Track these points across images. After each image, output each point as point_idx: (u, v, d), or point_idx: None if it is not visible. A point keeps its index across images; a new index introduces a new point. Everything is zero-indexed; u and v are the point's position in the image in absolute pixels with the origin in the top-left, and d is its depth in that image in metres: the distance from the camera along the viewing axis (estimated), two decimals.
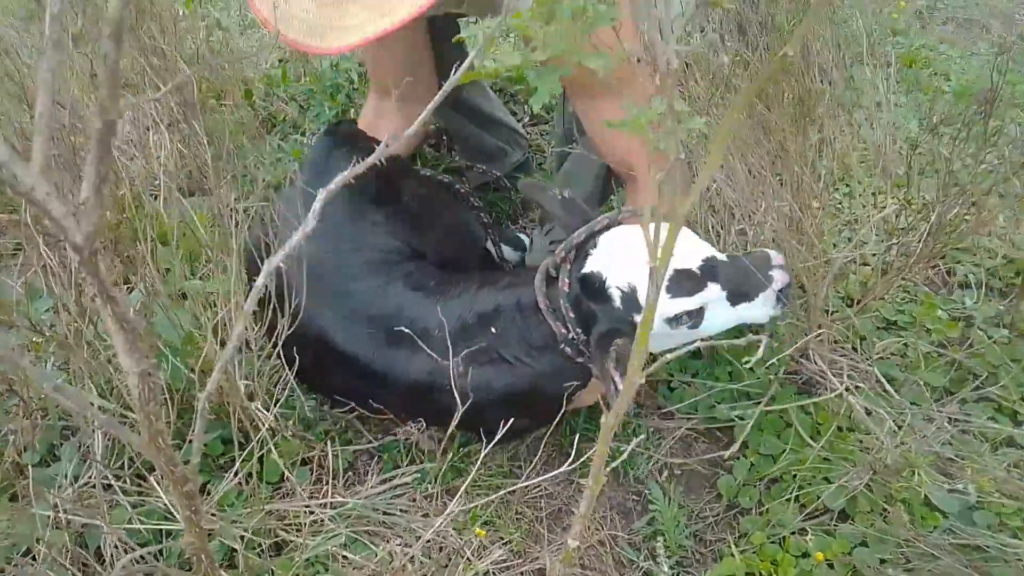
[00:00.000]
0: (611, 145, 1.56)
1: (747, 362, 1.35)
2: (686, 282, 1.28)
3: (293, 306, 1.40)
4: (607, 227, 1.35)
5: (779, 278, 1.31)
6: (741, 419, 1.58)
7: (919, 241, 1.69)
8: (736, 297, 1.31)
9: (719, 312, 1.31)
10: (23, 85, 1.58)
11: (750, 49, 1.56)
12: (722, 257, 1.33)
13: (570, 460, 1.21)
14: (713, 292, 1.29)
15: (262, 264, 1.56)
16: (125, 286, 1.62)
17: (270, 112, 2.49)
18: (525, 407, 1.41)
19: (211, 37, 2.50)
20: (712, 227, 1.76)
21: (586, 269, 1.32)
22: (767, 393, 1.60)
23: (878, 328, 1.79)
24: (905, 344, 1.70)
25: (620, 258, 1.31)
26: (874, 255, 1.88)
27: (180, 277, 1.66)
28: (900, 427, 1.48)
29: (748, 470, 1.52)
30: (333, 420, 1.59)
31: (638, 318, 1.29)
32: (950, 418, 1.53)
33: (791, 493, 1.44)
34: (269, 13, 1.38)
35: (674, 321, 1.30)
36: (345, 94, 2.61)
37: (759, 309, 1.32)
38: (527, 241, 2.04)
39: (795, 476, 1.47)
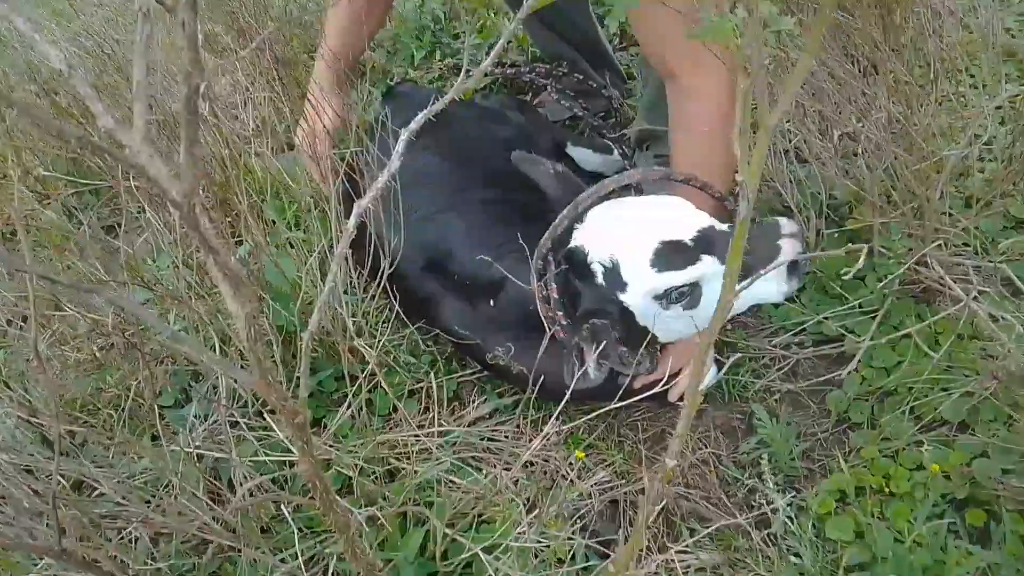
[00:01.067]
0: (649, 38, 1.45)
1: (846, 273, 1.27)
2: (676, 255, 1.18)
3: (389, 245, 1.46)
4: (594, 203, 1.27)
5: (788, 249, 1.18)
6: (852, 332, 1.51)
7: None
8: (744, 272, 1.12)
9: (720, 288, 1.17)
10: (116, 61, 1.68)
11: None
12: (722, 227, 1.20)
13: (663, 382, 1.21)
14: (709, 265, 1.18)
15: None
16: (235, 240, 1.72)
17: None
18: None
19: None
20: (804, 139, 1.66)
21: (572, 244, 1.25)
22: (882, 307, 1.52)
23: (1006, 228, 1.64)
24: None
25: (604, 231, 1.22)
26: (999, 149, 1.72)
27: (284, 228, 1.75)
28: None
29: (860, 384, 1.46)
30: (439, 351, 1.65)
31: (622, 296, 1.21)
32: None
33: (906, 406, 1.37)
34: None
35: (664, 298, 1.20)
36: (431, 32, 2.61)
37: (769, 284, 1.22)
38: (612, 147, 2.01)
39: (911, 389, 1.40)
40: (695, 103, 1.39)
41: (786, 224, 1.20)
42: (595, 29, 2.17)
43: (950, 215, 1.60)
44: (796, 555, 1.22)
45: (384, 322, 1.69)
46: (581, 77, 2.12)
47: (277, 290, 1.48)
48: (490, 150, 1.67)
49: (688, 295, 1.20)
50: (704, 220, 1.20)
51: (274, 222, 1.79)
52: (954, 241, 1.58)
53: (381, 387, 1.51)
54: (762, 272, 1.16)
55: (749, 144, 0.75)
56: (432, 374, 1.57)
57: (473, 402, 1.57)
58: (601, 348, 1.23)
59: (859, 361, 1.48)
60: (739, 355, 1.49)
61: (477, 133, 1.79)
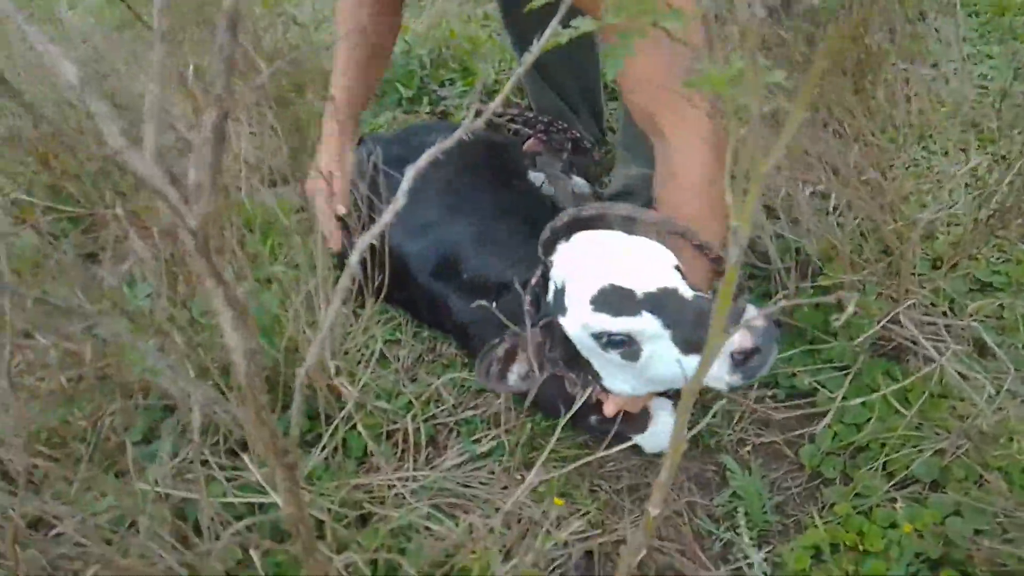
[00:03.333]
0: (635, 89, 1.43)
1: (836, 319, 1.24)
2: (618, 302, 1.14)
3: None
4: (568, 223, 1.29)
5: (739, 340, 1.08)
6: (823, 387, 1.54)
7: (1013, 195, 1.59)
8: (687, 345, 1.12)
9: (664, 354, 1.14)
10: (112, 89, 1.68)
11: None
12: (686, 293, 1.14)
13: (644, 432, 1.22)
14: (648, 324, 1.13)
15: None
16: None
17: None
18: None
19: (288, 33, 2.58)
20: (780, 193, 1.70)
21: (550, 257, 1.28)
22: (854, 364, 1.54)
23: (971, 290, 1.70)
24: (1001, 305, 1.61)
25: (573, 254, 1.23)
26: (964, 214, 1.79)
27: (266, 262, 1.74)
28: (998, 392, 1.41)
29: (832, 439, 1.47)
30: (416, 392, 1.63)
31: (562, 320, 1.24)
32: None
33: (878, 462, 1.39)
34: None
35: (600, 339, 1.18)
36: (419, 78, 2.65)
37: (712, 368, 1.05)
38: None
39: (883, 445, 1.42)
40: (681, 156, 1.38)
41: (752, 311, 1.11)
42: (598, 82, 2.22)
43: (919, 276, 1.65)
44: None
45: (363, 361, 1.68)
46: (574, 134, 2.17)
47: (260, 324, 1.46)
48: (494, 160, 1.81)
49: (624, 345, 1.16)
50: (670, 281, 1.16)
51: (256, 256, 1.78)
52: (923, 301, 1.63)
53: (356, 428, 1.50)
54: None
55: (743, 190, 0.76)
56: (408, 417, 1.56)
57: (448, 447, 1.56)
58: (536, 353, 1.26)
59: (831, 416, 1.50)
60: (720, 404, 1.49)
61: (479, 147, 1.87)
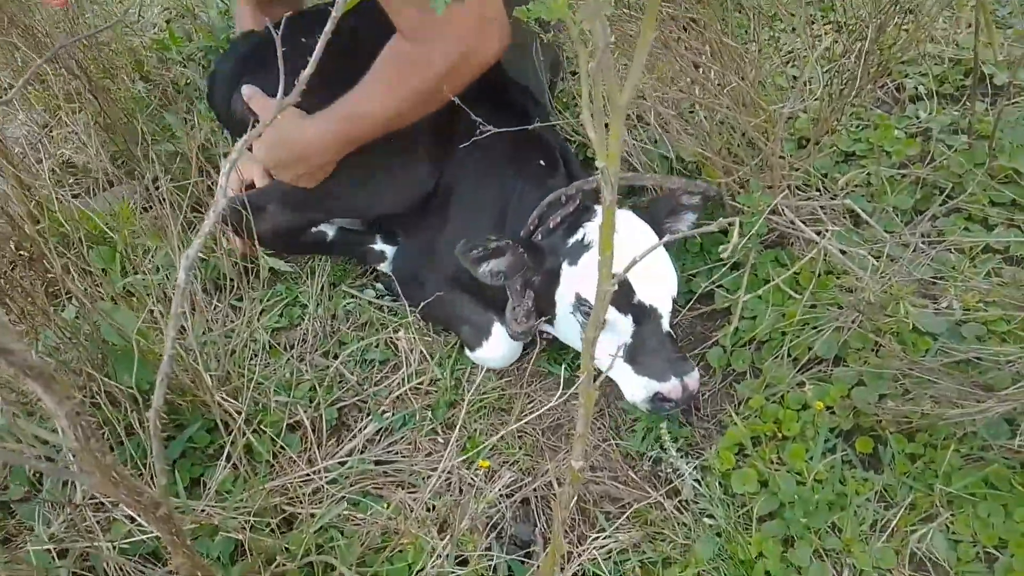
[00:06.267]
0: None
1: (723, 249, 1.28)
2: (619, 292, 1.20)
3: None
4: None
5: (671, 389, 1.26)
6: (720, 287, 1.55)
7: (860, 61, 1.62)
8: (632, 359, 1.30)
9: (610, 349, 1.30)
10: None
11: None
12: (666, 326, 1.31)
13: (560, 392, 1.20)
14: (623, 325, 1.30)
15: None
16: (66, 297, 1.54)
17: (171, 79, 2.33)
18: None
19: (86, 14, 2.31)
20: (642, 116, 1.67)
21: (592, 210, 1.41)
22: (747, 262, 1.55)
23: (838, 163, 1.74)
24: (868, 173, 1.66)
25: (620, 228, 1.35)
26: (824, 87, 1.81)
27: (118, 276, 1.58)
28: (878, 258, 1.45)
29: (734, 335, 1.50)
30: (316, 377, 1.54)
31: (566, 265, 1.37)
32: (924, 239, 1.51)
33: (782, 350, 1.42)
34: None
35: (582, 304, 1.34)
36: None
37: (633, 384, 1.31)
38: None
39: (783, 333, 1.45)
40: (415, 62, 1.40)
41: (692, 379, 1.27)
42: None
43: (788, 160, 1.67)
44: (710, 516, 1.24)
45: (252, 356, 1.57)
46: None
47: (117, 351, 1.32)
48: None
49: (588, 312, 1.29)
50: (663, 307, 1.32)
51: (104, 271, 1.62)
52: (796, 184, 1.65)
53: (259, 430, 1.40)
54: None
55: (604, 125, 0.71)
56: (311, 405, 1.48)
57: (357, 426, 1.49)
58: (517, 267, 1.37)
59: (727, 311, 1.52)
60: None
61: None
